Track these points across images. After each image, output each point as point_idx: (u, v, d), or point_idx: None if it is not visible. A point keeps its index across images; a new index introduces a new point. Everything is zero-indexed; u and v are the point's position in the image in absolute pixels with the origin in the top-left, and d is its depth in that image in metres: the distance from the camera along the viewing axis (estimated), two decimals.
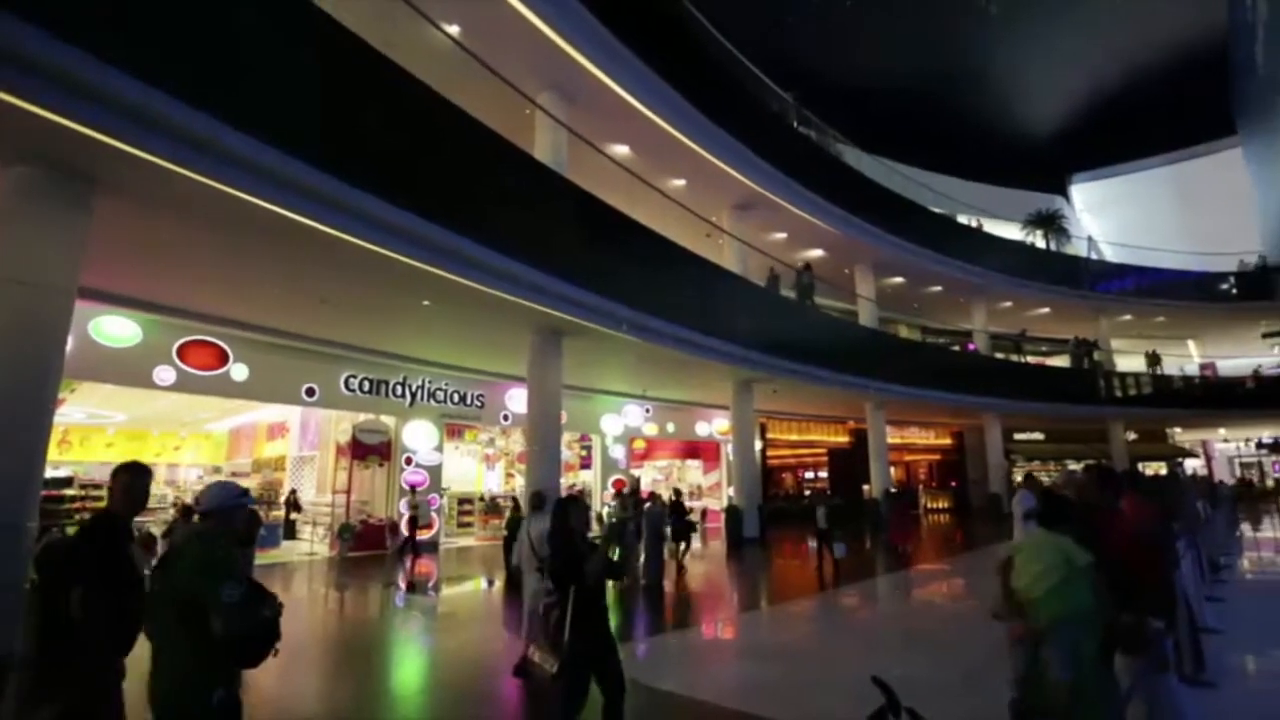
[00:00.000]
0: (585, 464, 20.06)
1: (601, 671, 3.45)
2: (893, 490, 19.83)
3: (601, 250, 11.07)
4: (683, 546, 12.65)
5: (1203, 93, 26.95)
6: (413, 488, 15.01)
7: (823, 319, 18.97)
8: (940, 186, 29.19)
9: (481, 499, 17.83)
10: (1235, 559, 11.92)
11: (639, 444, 20.96)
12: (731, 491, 18.83)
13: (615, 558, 3.41)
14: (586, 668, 3.40)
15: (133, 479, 2.85)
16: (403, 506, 14.45)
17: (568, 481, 17.83)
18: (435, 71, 8.63)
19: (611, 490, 18.73)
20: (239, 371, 12.41)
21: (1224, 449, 38.31)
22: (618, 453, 19.76)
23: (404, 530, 13.89)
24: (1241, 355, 30.89)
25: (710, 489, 22.64)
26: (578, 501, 3.74)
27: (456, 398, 16.05)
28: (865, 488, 21.32)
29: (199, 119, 5.46)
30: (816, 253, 20.27)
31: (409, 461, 15.17)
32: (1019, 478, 27.99)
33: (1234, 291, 28.18)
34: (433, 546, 14.79)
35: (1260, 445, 36.22)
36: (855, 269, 21.57)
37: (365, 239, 7.10)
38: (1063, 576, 2.58)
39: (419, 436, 15.39)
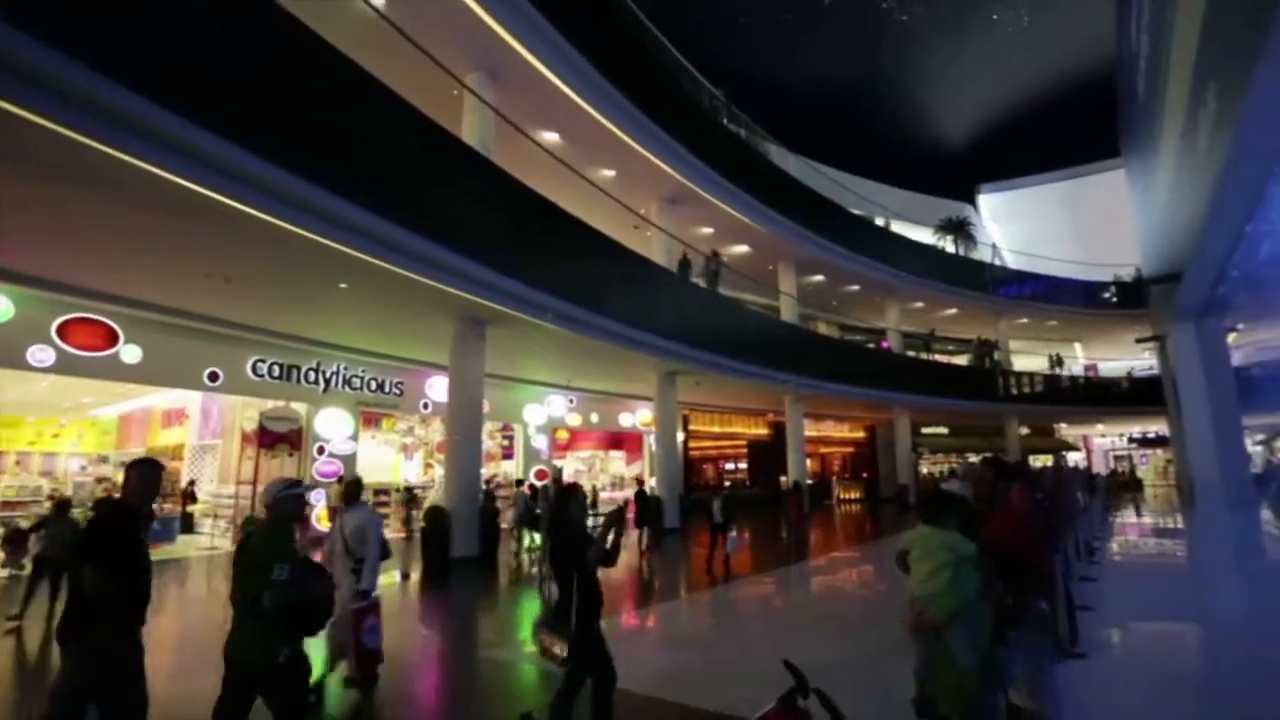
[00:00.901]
0: (507, 454, 19.79)
1: (600, 657, 3.52)
2: (797, 481, 20.58)
3: (528, 238, 10.91)
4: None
5: (1095, 116, 29.19)
6: (339, 478, 14.42)
7: (747, 314, 19.37)
8: (860, 189, 30.35)
9: (398, 490, 17.28)
10: (1106, 542, 13.00)
11: (562, 434, 20.85)
12: (654, 482, 19.00)
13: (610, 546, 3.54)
14: (597, 651, 3.48)
15: (146, 472, 3.19)
16: (316, 497, 13.84)
17: (489, 472, 17.55)
18: (358, 44, 8.26)
19: (534, 480, 18.58)
20: (130, 353, 11.50)
21: (1101, 443, 41.81)
22: (540, 443, 19.60)
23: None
24: (1119, 358, 33.75)
25: (633, 479, 22.78)
26: (577, 491, 3.80)
27: (374, 385, 15.47)
28: (783, 479, 21.99)
29: (73, 68, 4.95)
30: (742, 248, 20.68)
31: (321, 451, 14.52)
32: (925, 469, 29.76)
33: (1114, 300, 30.67)
34: None
35: (1131, 440, 39.94)
36: (779, 265, 22.14)
37: (274, 214, 6.71)
38: (953, 571, 2.72)
39: (333, 425, 14.75)
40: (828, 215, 22.82)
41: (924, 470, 29.95)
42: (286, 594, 3.02)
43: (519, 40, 11.20)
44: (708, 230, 19.20)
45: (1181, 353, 20.95)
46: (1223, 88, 8.22)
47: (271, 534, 3.27)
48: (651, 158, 15.04)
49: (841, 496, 29.18)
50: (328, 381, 14.56)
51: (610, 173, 15.53)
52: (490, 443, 19.26)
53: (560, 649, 3.42)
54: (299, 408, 14.49)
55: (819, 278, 23.86)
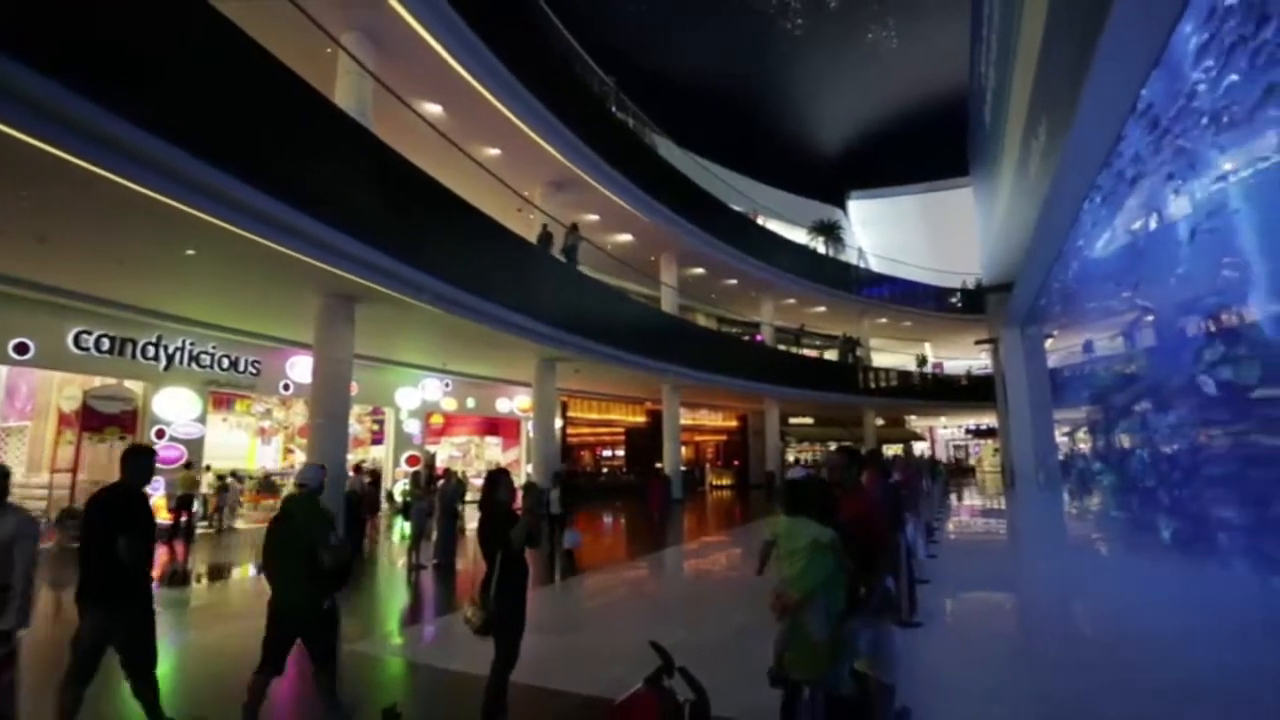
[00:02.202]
0: (377, 439, 18.88)
1: (515, 632, 3.85)
2: (658, 468, 21.32)
3: (406, 213, 10.37)
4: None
5: (952, 137, 31.88)
6: (187, 464, 13.08)
7: (628, 303, 19.58)
8: (741, 186, 31.50)
9: (252, 477, 16.01)
10: (944, 523, 14.45)
11: (436, 419, 20.16)
12: (530, 469, 18.85)
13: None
14: (516, 626, 3.83)
15: (139, 459, 3.78)
16: (158, 486, 12.53)
17: (356, 458, 16.67)
18: None
19: (405, 467, 17.87)
20: None
21: (943, 434, 46.29)
22: (413, 427, 18.84)
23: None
24: (962, 358, 37.48)
25: (512, 466, 22.47)
26: (506, 475, 4.10)
27: (226, 363, 14.15)
28: (659, 465, 22.54)
29: None
30: (626, 237, 20.85)
31: (160, 434, 13.11)
32: (791, 457, 31.56)
33: (959, 305, 33.91)
34: (189, 531, 12.88)
35: (968, 431, 44.58)
36: (661, 257, 22.52)
37: (94, 161, 5.86)
38: (811, 556, 2.93)
39: (175, 405, 13.35)
40: (711, 210, 23.48)
41: (790, 458, 31.79)
42: (338, 553, 3.87)
43: (401, 2, 10.59)
44: (593, 217, 19.18)
45: (1009, 354, 23.61)
46: (1051, 125, 9.27)
47: (312, 506, 4.01)
48: (537, 139, 14.77)
49: (714, 483, 30.36)
50: (170, 358, 13.14)
51: (495, 152, 15.10)
52: (359, 427, 18.28)
53: (476, 618, 3.71)
54: (134, 386, 12.99)
55: (699, 271, 24.54)
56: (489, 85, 12.92)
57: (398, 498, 16.56)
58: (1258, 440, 8.53)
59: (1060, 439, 22.83)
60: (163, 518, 12.34)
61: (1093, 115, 7.76)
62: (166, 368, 13.09)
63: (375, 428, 18.95)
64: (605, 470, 27.10)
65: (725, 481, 30.57)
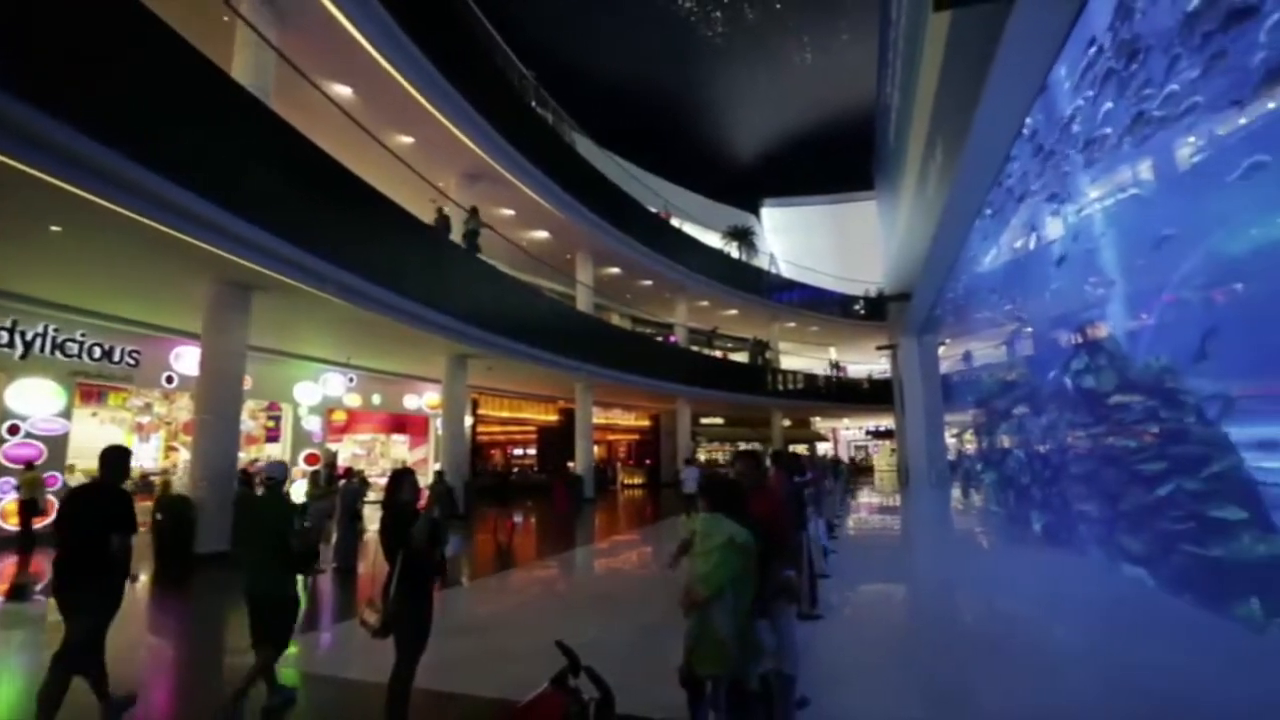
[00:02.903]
0: (272, 436, 17.80)
1: (417, 630, 3.76)
2: (562, 469, 21.41)
3: (311, 199, 9.86)
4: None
5: (860, 151, 33.47)
6: (28, 464, 11.71)
7: (543, 300, 19.40)
8: (659, 188, 31.86)
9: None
10: (845, 520, 15.16)
11: (339, 416, 19.26)
12: (438, 467, 18.33)
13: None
14: (417, 629, 3.74)
15: (118, 458, 4.23)
16: (5, 489, 11.30)
17: (249, 456, 15.68)
18: None
19: (304, 466, 16.95)
20: None
21: (846, 435, 48.57)
22: (313, 424, 17.91)
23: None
24: (864, 362, 39.43)
25: (416, 465, 21.76)
26: (410, 474, 4.09)
27: (98, 352, 12.91)
28: (570, 465, 22.46)
29: None
30: (542, 234, 20.65)
31: (15, 430, 11.79)
32: (702, 457, 32.22)
33: (862, 313, 35.66)
34: (29, 538, 11.49)
35: (869, 432, 46.98)
36: (577, 255, 22.45)
37: None
38: (724, 554, 3.02)
39: (33, 398, 12.03)
40: (628, 211, 23.62)
41: (701, 457, 32.44)
42: (305, 539, 4.34)
43: None
44: (509, 213, 18.89)
45: (906, 360, 25.05)
46: (947, 147, 9.92)
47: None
48: (453, 129, 14.38)
49: (625, 482, 30.56)
50: (29, 345, 11.86)
51: (407, 139, 14.60)
52: (252, 423, 17.19)
53: (374, 619, 3.64)
54: None
55: (615, 270, 24.64)
56: (403, 69, 12.47)
57: (295, 498, 15.68)
58: (1112, 442, 9.45)
59: (950, 440, 24.44)
60: (11, 523, 11.20)
61: (982, 141, 8.37)
62: (24, 356, 11.80)
63: (271, 424, 17.87)
64: (516, 469, 26.74)
65: (637, 480, 30.84)
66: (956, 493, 22.55)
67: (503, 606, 7.80)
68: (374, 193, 11.46)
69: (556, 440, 26.77)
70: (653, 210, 26.88)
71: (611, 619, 6.77)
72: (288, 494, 4.48)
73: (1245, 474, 7.16)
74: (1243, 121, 7.98)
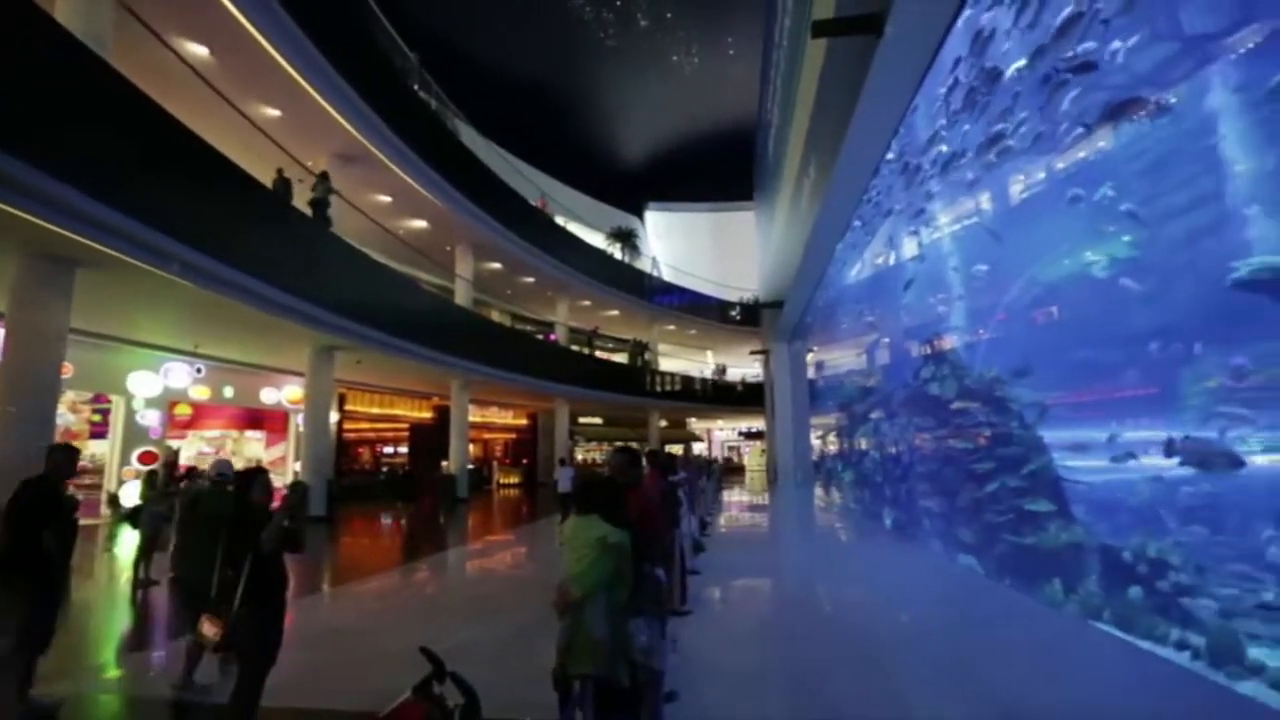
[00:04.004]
0: (98, 432, 15.81)
1: (263, 640, 3.54)
2: (422, 469, 20.97)
3: (155, 168, 8.84)
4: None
5: (742, 163, 34.83)
6: None
7: (420, 293, 18.63)
8: (544, 185, 31.55)
9: None
10: (716, 517, 15.73)
11: (183, 409, 17.44)
12: (298, 466, 17.11)
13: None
14: (264, 641, 3.51)
15: (66, 455, 4.40)
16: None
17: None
18: None
19: (138, 465, 15.20)
20: None
21: (720, 435, 50.43)
22: (151, 419, 16.08)
23: None
24: (739, 366, 41.10)
25: (274, 463, 20.19)
26: (264, 474, 4.00)
27: None
28: (444, 463, 21.69)
29: None
30: (421, 223, 19.83)
31: None
32: (580, 456, 32.25)
33: (738, 318, 37.14)
34: None
35: (741, 433, 49.05)
36: (457, 248, 21.74)
37: None
38: (597, 554, 3.04)
39: None
40: (513, 205, 23.17)
41: (579, 457, 32.44)
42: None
43: None
44: (385, 199, 17.97)
45: (778, 365, 26.39)
46: (819, 165, 10.56)
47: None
48: (325, 104, 13.41)
49: (501, 481, 30.01)
50: None
51: (274, 112, 13.51)
52: (72, 417, 15.23)
53: (213, 632, 3.43)
54: None
55: (497, 265, 24.10)
56: (270, 34, 11.48)
57: (125, 501, 14.02)
58: (951, 444, 10.49)
59: (815, 441, 26.01)
60: None
61: (851, 162, 8.98)
62: None
63: (97, 418, 15.88)
64: (386, 469, 25.47)
65: (513, 480, 30.37)
66: (820, 491, 24.05)
67: (368, 613, 7.40)
68: (232, 167, 10.48)
69: (430, 438, 25.75)
70: (532, 203, 26.56)
71: (484, 621, 6.63)
72: (238, 491, 4.18)
73: (1054, 472, 8.18)
74: (1060, 165, 9.11)
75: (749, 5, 26.98)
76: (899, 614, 7.04)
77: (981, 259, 10.62)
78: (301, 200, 13.61)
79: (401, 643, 5.70)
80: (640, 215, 45.92)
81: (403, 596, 8.40)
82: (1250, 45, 6.40)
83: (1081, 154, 8.60)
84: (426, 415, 27.03)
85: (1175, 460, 6.17)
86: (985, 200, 10.98)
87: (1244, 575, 5.71)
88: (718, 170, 42.83)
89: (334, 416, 19.77)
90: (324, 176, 14.55)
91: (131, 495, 11.83)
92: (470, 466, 23.97)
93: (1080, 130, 8.29)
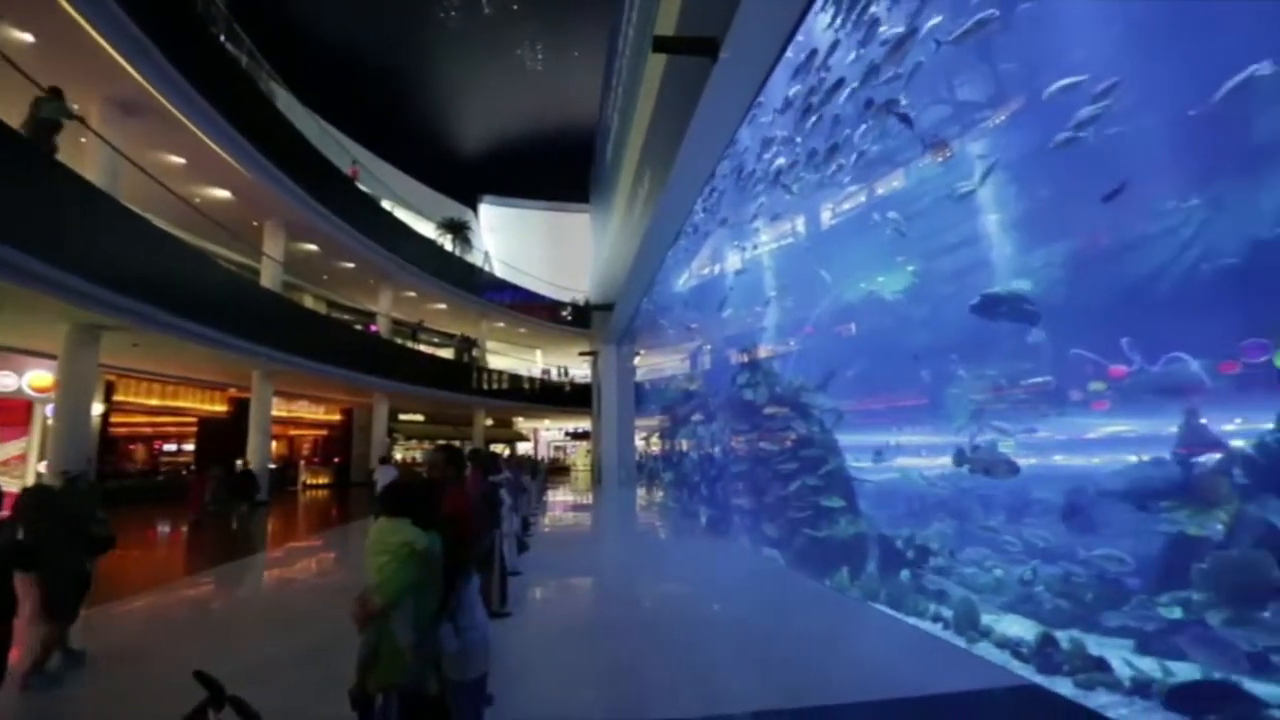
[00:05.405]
0: None
1: None
2: (193, 465, 19.08)
3: None
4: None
5: (580, 163, 35.05)
6: None
7: (216, 269, 16.51)
8: (372, 166, 29.51)
9: None
10: (540, 517, 15.65)
11: None
12: (43, 467, 14.38)
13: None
14: None
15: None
16: None
17: None
18: None
19: None
20: None
21: (546, 435, 50.33)
22: None
23: None
24: (568, 366, 41.30)
25: (9, 462, 16.84)
26: None
27: None
28: (240, 462, 19.43)
29: None
30: (223, 193, 17.61)
31: None
32: (400, 455, 30.54)
33: (569, 319, 37.33)
34: None
35: (568, 434, 49.38)
36: (266, 224, 19.58)
37: None
38: (402, 561, 2.86)
39: None
40: (334, 183, 21.37)
41: (398, 456, 30.68)
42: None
43: None
44: (178, 160, 15.72)
45: (605, 367, 26.92)
46: (654, 177, 10.94)
47: (76, 490, 5.95)
48: (96, 35, 11.30)
49: (308, 482, 27.61)
50: None
51: (25, 36, 11.29)
52: None
53: None
54: None
55: (312, 247, 22.05)
56: None
57: None
58: (761, 446, 11.36)
59: (639, 442, 26.84)
60: None
61: (683, 175, 9.41)
62: None
63: None
64: (165, 469, 22.31)
65: (322, 480, 28.06)
66: (642, 490, 24.85)
67: (135, 635, 6.40)
68: None
69: (224, 434, 22.89)
70: (363, 189, 24.74)
71: (279, 636, 6.03)
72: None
73: (846, 471, 9.17)
74: (863, 199, 10.24)
75: (595, 12, 27.31)
76: (709, 605, 7.47)
77: (794, 275, 11.66)
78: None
79: (177, 667, 5.02)
80: (474, 207, 44.57)
81: (182, 614, 7.38)
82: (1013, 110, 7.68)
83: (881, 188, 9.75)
84: (221, 408, 24.08)
85: (938, 460, 7.19)
86: (800, 223, 12.06)
87: (983, 558, 6.82)
88: (556, 170, 42.82)
89: (98, 408, 16.96)
90: (55, 93, 11.19)
91: None
92: (272, 466, 21.74)
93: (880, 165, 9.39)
